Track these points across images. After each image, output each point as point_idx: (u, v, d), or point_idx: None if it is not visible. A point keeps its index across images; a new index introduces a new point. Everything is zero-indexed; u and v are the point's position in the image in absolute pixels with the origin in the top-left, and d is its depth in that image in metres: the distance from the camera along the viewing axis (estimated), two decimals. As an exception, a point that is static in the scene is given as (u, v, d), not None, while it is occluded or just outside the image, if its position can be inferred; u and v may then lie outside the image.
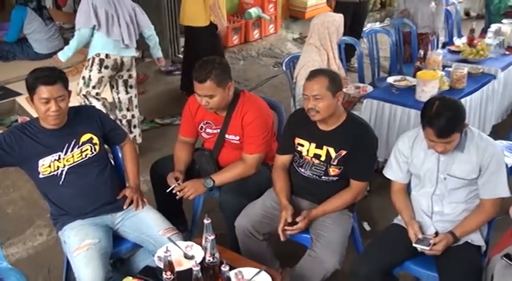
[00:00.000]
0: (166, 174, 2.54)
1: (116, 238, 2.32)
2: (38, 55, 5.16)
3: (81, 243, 2.14)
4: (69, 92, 2.22)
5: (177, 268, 1.84)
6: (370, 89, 3.49)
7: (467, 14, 7.72)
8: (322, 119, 2.28)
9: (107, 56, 3.37)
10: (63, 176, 2.24)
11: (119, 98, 3.63)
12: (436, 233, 2.16)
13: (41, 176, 2.23)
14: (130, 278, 1.89)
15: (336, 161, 2.32)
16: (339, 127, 2.33)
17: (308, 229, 2.32)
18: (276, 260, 2.48)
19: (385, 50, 4.82)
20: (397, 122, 3.21)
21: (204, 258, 1.88)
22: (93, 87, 3.41)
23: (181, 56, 5.41)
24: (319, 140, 2.34)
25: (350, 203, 2.37)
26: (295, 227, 2.25)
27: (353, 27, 4.81)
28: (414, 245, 2.12)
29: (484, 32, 4.48)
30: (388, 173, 2.33)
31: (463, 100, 3.05)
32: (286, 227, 2.25)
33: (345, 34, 3.37)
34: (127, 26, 3.40)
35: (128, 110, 3.65)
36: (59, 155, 2.23)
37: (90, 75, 3.40)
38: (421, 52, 3.66)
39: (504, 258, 1.95)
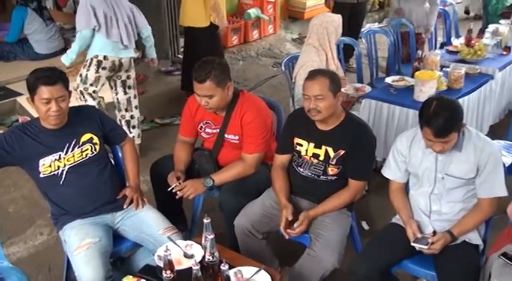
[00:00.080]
0: (166, 174, 2.56)
1: (116, 237, 2.33)
2: (38, 55, 5.18)
3: (81, 242, 2.14)
4: (70, 93, 2.23)
5: (177, 267, 1.84)
6: (368, 89, 3.50)
7: (466, 12, 7.74)
8: (323, 119, 2.29)
9: (105, 57, 3.38)
10: (63, 176, 2.25)
11: (117, 98, 3.64)
12: (434, 232, 2.17)
13: (41, 175, 2.24)
14: (131, 277, 1.89)
15: (335, 160, 2.33)
16: (337, 127, 2.34)
17: (307, 228, 2.32)
18: (275, 259, 2.49)
19: (383, 50, 4.83)
20: (395, 122, 3.22)
21: (203, 257, 1.89)
22: (91, 85, 3.43)
23: (181, 56, 5.41)
24: (318, 139, 2.35)
25: (349, 203, 2.38)
26: (297, 230, 2.25)
27: (351, 28, 4.81)
28: (412, 244, 2.13)
29: (481, 32, 4.49)
30: (386, 172, 2.34)
31: (460, 100, 3.06)
32: (288, 230, 2.26)
33: (343, 35, 3.38)
34: (125, 27, 3.41)
35: (126, 110, 3.66)
36: (60, 155, 2.24)
37: (87, 74, 3.41)
38: (419, 52, 3.67)
39: (502, 257, 1.96)
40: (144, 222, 2.31)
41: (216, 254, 1.86)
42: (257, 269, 1.93)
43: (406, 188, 2.35)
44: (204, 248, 1.91)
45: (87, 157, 2.29)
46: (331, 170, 2.35)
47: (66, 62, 3.36)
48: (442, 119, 1.98)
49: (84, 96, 3.44)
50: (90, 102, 3.43)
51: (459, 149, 2.12)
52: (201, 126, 2.64)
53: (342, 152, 2.32)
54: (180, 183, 2.49)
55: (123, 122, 3.66)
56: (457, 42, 4.19)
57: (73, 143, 2.26)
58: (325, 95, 2.23)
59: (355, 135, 2.31)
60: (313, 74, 2.30)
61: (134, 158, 2.52)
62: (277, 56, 6.13)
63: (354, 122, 2.37)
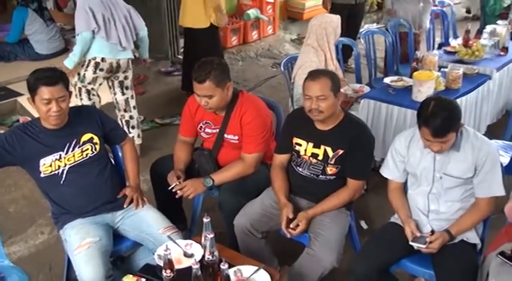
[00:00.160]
0: (166, 173, 2.56)
1: (116, 236, 2.33)
2: (39, 56, 5.19)
3: (81, 241, 2.15)
4: (70, 93, 2.23)
5: (177, 266, 1.84)
6: (367, 89, 3.51)
7: (468, 11, 7.76)
8: (324, 119, 2.30)
9: (102, 59, 3.39)
10: (64, 176, 2.26)
11: (116, 99, 3.65)
12: (432, 232, 2.17)
13: (42, 175, 2.24)
14: (131, 276, 1.89)
15: (334, 160, 2.34)
16: (336, 127, 2.35)
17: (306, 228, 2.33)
18: (274, 258, 2.50)
19: (381, 50, 4.84)
20: (394, 121, 3.22)
21: (203, 256, 1.89)
22: (88, 83, 3.45)
23: (181, 57, 5.43)
24: (317, 139, 2.36)
25: (347, 202, 2.39)
26: (297, 230, 2.27)
27: (349, 29, 4.82)
28: (411, 243, 2.14)
29: (479, 33, 4.50)
30: (385, 172, 2.35)
31: (458, 100, 3.06)
32: (290, 230, 2.27)
33: (341, 35, 3.38)
34: (123, 28, 3.41)
35: (125, 111, 3.67)
36: (60, 155, 2.24)
37: (84, 74, 3.43)
38: (418, 53, 3.68)
39: (499, 256, 1.97)
40: (144, 221, 2.31)
41: (216, 253, 1.86)
42: (256, 268, 1.93)
43: (404, 187, 2.35)
44: (204, 247, 1.91)
45: (87, 157, 2.30)
46: (330, 170, 2.36)
47: (69, 66, 3.34)
48: (440, 119, 1.99)
49: (80, 94, 3.46)
50: (85, 101, 3.45)
51: (457, 148, 2.12)
52: (201, 126, 2.65)
53: (341, 151, 2.33)
54: (180, 182, 2.50)
55: (123, 122, 3.67)
56: (455, 43, 4.19)
57: (73, 143, 2.27)
58: (327, 95, 2.24)
59: (353, 135, 2.32)
60: (314, 75, 2.30)
61: (134, 158, 2.53)
62: (276, 56, 6.14)
63: (352, 122, 2.38)
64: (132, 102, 3.69)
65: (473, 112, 3.48)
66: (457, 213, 2.19)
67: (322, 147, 2.35)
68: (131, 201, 2.37)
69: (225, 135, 2.58)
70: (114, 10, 3.38)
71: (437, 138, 2.03)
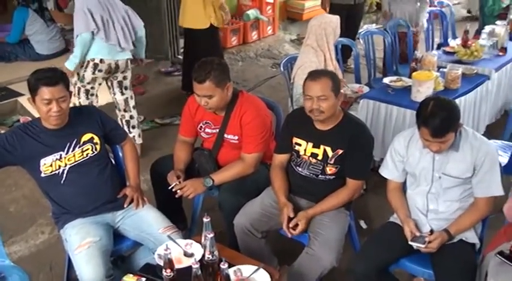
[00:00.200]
0: (166, 173, 2.57)
1: (117, 236, 2.34)
2: (39, 56, 5.20)
3: (82, 241, 2.15)
4: (71, 93, 2.24)
5: (177, 266, 1.85)
6: (366, 89, 3.53)
7: (469, 11, 7.78)
8: (324, 119, 2.31)
9: (101, 60, 3.40)
10: (64, 175, 2.26)
11: (115, 99, 3.66)
12: (431, 231, 2.18)
13: (42, 175, 2.25)
14: (131, 275, 1.90)
15: (333, 160, 2.35)
16: (335, 127, 2.36)
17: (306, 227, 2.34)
18: (274, 258, 2.50)
19: (380, 51, 4.85)
20: (393, 121, 3.23)
21: (203, 256, 1.90)
22: (88, 83, 3.46)
23: (181, 57, 5.43)
24: (316, 139, 2.37)
25: (347, 202, 2.39)
26: (297, 230, 2.28)
27: (348, 29, 4.83)
28: (410, 242, 2.15)
29: (478, 33, 4.50)
30: (384, 172, 2.36)
31: (457, 100, 3.07)
32: (290, 230, 2.28)
33: (340, 36, 3.39)
34: (122, 29, 3.42)
35: (125, 111, 3.68)
36: (61, 155, 2.25)
37: (84, 75, 3.44)
38: (417, 53, 3.69)
39: (498, 255, 1.97)
40: (144, 221, 2.32)
41: (216, 253, 1.87)
42: (256, 267, 1.94)
43: (403, 187, 2.36)
44: (204, 247, 1.92)
45: (87, 157, 2.30)
46: (330, 170, 2.37)
47: (71, 67, 3.34)
48: (439, 119, 2.00)
49: (79, 93, 3.47)
50: (83, 100, 3.46)
51: (456, 148, 2.13)
52: (201, 126, 2.66)
53: (340, 151, 2.33)
54: (179, 182, 2.51)
55: (123, 122, 3.68)
56: (454, 43, 4.20)
57: (74, 142, 2.28)
58: (328, 95, 2.25)
59: (353, 135, 2.33)
60: (315, 75, 2.31)
61: (134, 158, 2.54)
62: (276, 56, 6.15)
63: (352, 122, 2.39)
64: (132, 102, 3.70)
65: (472, 112, 3.49)
66: (456, 213, 2.20)
67: (322, 147, 2.36)
68: (131, 201, 2.38)
69: (225, 135, 2.59)
70: (112, 11, 3.39)
71: (436, 139, 2.03)
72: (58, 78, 2.17)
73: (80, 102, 3.44)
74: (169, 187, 2.50)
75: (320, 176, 2.39)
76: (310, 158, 2.39)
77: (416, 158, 2.22)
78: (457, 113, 2.08)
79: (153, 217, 2.34)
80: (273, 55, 6.22)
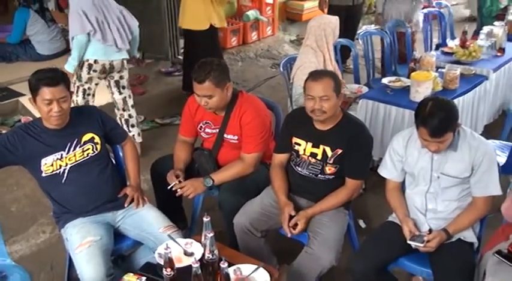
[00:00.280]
0: (166, 173, 2.58)
1: (117, 235, 2.34)
2: (40, 56, 5.22)
3: (83, 240, 2.16)
4: (71, 93, 2.25)
5: (177, 265, 1.86)
6: (365, 89, 3.54)
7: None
8: (326, 119, 2.32)
9: (95, 61, 3.42)
10: (65, 175, 2.27)
11: (114, 98, 3.68)
12: (430, 230, 2.19)
13: (43, 174, 2.26)
14: (131, 274, 1.91)
15: (332, 159, 2.36)
16: (335, 127, 2.36)
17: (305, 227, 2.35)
18: (273, 257, 2.51)
19: (378, 51, 4.86)
20: (392, 121, 3.24)
21: (203, 255, 1.90)
22: (85, 82, 3.48)
23: (181, 57, 5.44)
24: (316, 139, 2.38)
25: (346, 201, 2.40)
26: (297, 230, 2.29)
27: (347, 30, 4.84)
28: (409, 242, 2.16)
29: (476, 34, 4.51)
30: (383, 171, 2.37)
31: (455, 100, 3.07)
32: (290, 230, 2.29)
33: (339, 37, 3.40)
34: (118, 30, 3.43)
35: (123, 110, 3.69)
36: (61, 154, 2.26)
37: (80, 74, 3.46)
38: (415, 53, 3.70)
39: (496, 254, 1.98)
40: (144, 220, 2.33)
41: (216, 252, 1.87)
42: (256, 266, 1.94)
43: (402, 187, 2.37)
44: (204, 246, 1.93)
45: (88, 156, 2.31)
46: (329, 169, 2.38)
47: (70, 70, 3.35)
48: (437, 119, 2.01)
49: (77, 92, 3.49)
50: (80, 99, 3.47)
51: (454, 148, 2.14)
52: (201, 126, 2.67)
53: (340, 151, 2.34)
54: (179, 181, 2.52)
55: (122, 121, 3.69)
56: (452, 44, 4.22)
57: (74, 142, 2.29)
58: (330, 95, 2.26)
59: (352, 135, 2.34)
60: (317, 75, 2.31)
61: (135, 158, 2.54)
62: (275, 57, 6.16)
63: (351, 122, 2.40)
64: (130, 102, 3.71)
65: (470, 112, 3.49)
66: (454, 212, 2.21)
67: (321, 147, 2.37)
68: (132, 200, 2.39)
69: (225, 135, 2.60)
70: (107, 12, 3.40)
71: (434, 138, 2.04)
72: (59, 78, 2.17)
73: (76, 101, 3.46)
74: (169, 187, 2.51)
75: (319, 175, 2.40)
76: (310, 157, 2.40)
77: (415, 157, 2.23)
78: (456, 113, 2.09)
79: (153, 216, 2.35)
80: (272, 55, 6.24)
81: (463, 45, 3.95)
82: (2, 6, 6.93)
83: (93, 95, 3.58)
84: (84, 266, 2.10)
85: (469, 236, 2.21)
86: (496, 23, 4.44)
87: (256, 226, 2.40)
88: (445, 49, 4.11)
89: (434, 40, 5.02)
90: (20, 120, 4.23)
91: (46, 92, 2.12)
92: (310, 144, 2.40)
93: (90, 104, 3.54)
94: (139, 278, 1.88)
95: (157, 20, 5.50)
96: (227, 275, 1.79)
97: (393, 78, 3.54)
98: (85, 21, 3.28)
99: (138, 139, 3.75)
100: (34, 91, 2.16)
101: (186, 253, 2.02)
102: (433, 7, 5.20)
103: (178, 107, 3.14)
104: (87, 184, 2.30)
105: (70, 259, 2.31)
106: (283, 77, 3.57)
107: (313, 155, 2.39)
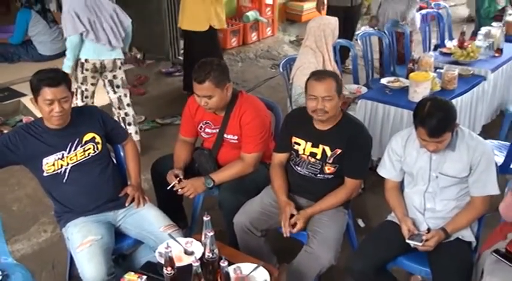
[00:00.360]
0: (166, 172, 2.58)
1: (118, 234, 2.35)
2: (42, 57, 5.22)
3: (84, 239, 2.17)
4: (72, 93, 2.26)
5: (178, 264, 1.86)
6: (364, 90, 3.55)
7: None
8: (327, 118, 2.33)
9: (86, 60, 3.44)
10: (66, 175, 2.28)
11: (109, 97, 3.70)
12: (428, 230, 2.19)
13: (45, 174, 2.27)
14: (132, 273, 1.91)
15: (332, 159, 2.37)
16: (334, 127, 2.37)
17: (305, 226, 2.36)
18: (273, 256, 2.52)
19: (377, 51, 4.87)
20: (391, 121, 3.25)
21: (203, 254, 1.91)
22: (82, 83, 3.51)
23: (181, 58, 5.45)
24: (315, 139, 2.39)
25: (345, 201, 2.41)
26: (296, 229, 2.29)
27: (345, 31, 4.85)
28: (407, 241, 2.16)
29: (474, 34, 4.53)
30: (381, 171, 2.37)
31: (454, 101, 3.09)
32: (290, 229, 2.30)
33: (338, 37, 3.41)
34: (111, 29, 3.45)
35: (119, 109, 3.70)
36: (63, 154, 2.27)
37: (76, 74, 3.49)
38: (414, 54, 3.71)
39: (494, 253, 1.99)
40: (145, 220, 2.34)
41: (216, 251, 1.88)
42: (256, 265, 1.95)
43: (401, 186, 2.38)
44: (204, 245, 1.94)
45: (89, 156, 2.32)
46: (328, 169, 2.39)
47: (67, 70, 3.37)
48: (436, 119, 2.02)
49: (76, 94, 3.51)
50: (79, 102, 3.50)
51: (452, 148, 2.15)
52: (201, 126, 2.68)
53: (339, 151, 2.35)
54: (178, 181, 2.53)
55: (119, 120, 3.70)
56: (451, 45, 4.23)
57: (76, 142, 2.30)
58: (333, 95, 2.27)
59: (351, 135, 2.35)
60: (320, 75, 2.32)
61: (136, 157, 2.55)
62: (275, 57, 6.17)
63: (350, 122, 2.41)
64: (126, 100, 3.71)
65: (468, 112, 3.50)
66: (453, 211, 2.22)
67: (321, 146, 2.38)
68: (132, 200, 2.40)
69: (225, 135, 2.60)
70: (99, 12, 3.41)
71: (433, 138, 2.05)
72: (60, 79, 2.18)
73: (76, 103, 3.47)
74: (169, 187, 2.52)
75: (319, 175, 2.41)
76: (309, 157, 2.41)
77: (414, 157, 2.23)
78: (454, 113, 2.10)
79: (153, 215, 2.36)
80: (272, 56, 6.25)
81: (461, 46, 3.96)
82: (4, 7, 6.95)
83: (92, 97, 3.60)
84: (85, 265, 2.11)
85: (467, 235, 2.21)
86: (493, 23, 4.45)
87: (256, 225, 2.41)
88: (444, 50, 4.12)
89: (433, 41, 5.03)
90: (21, 120, 4.23)
91: (47, 92, 2.13)
92: (309, 144, 2.41)
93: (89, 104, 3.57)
94: (140, 277, 1.88)
95: (157, 21, 5.52)
96: (227, 274, 1.80)
97: (392, 78, 3.55)
98: (77, 23, 3.31)
99: (136, 137, 3.74)
100: (35, 91, 2.17)
101: (186, 252, 2.02)
102: (431, 8, 5.22)
103: (178, 107, 3.14)
104: (88, 183, 2.31)
105: (71, 258, 2.32)
106: (283, 77, 3.58)
107: (313, 154, 2.40)
